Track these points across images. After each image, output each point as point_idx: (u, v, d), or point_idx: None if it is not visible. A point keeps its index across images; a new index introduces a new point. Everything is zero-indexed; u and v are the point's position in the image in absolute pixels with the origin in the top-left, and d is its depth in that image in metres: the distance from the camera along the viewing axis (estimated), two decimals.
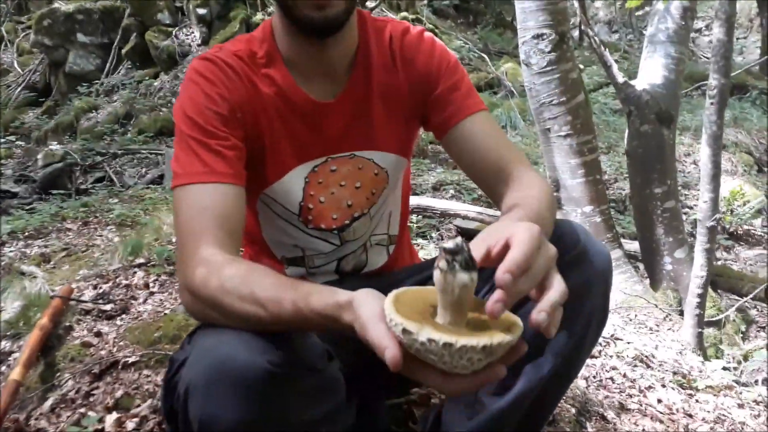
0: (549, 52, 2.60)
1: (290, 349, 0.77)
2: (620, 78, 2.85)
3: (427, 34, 1.13)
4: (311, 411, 0.80)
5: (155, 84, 6.85)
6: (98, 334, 1.61)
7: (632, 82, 2.86)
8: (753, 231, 5.01)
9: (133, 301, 1.82)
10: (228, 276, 0.80)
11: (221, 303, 0.79)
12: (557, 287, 0.69)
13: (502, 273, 0.65)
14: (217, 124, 0.96)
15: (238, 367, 0.71)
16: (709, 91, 2.31)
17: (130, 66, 7.37)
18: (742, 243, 4.94)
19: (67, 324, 1.65)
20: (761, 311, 4.02)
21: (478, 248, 0.70)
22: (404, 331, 0.64)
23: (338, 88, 1.07)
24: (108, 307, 1.76)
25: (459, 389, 0.66)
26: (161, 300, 1.85)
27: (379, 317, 0.67)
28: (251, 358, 0.72)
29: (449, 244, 0.65)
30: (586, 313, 0.94)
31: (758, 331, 4.01)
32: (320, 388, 0.82)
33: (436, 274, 0.66)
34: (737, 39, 10.82)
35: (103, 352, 1.53)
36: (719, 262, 4.49)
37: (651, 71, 2.89)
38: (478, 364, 0.64)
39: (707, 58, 9.20)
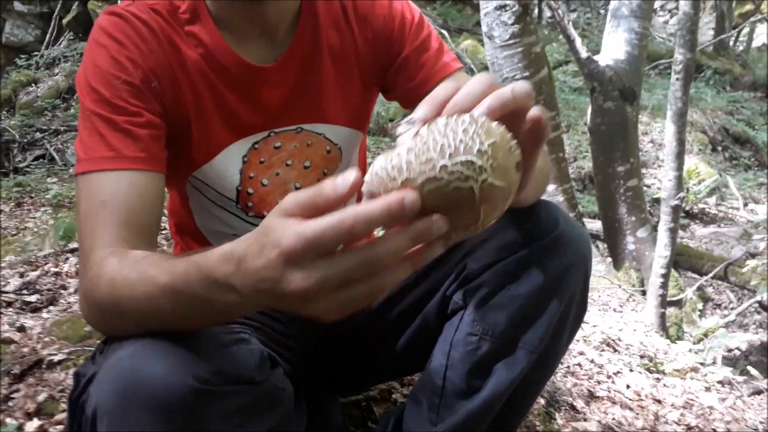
0: (512, 24, 2.49)
1: (221, 359, 0.64)
2: (583, 53, 2.77)
3: None
4: (250, 430, 0.67)
5: None
6: (21, 329, 1.44)
7: (595, 58, 2.79)
8: (708, 210, 5.08)
9: (62, 291, 1.65)
10: (117, 270, 0.66)
11: (114, 303, 0.65)
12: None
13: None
14: (128, 96, 0.79)
15: (156, 384, 0.57)
16: (674, 66, 2.25)
17: (72, 37, 6.99)
18: (697, 221, 5.00)
19: None
20: (717, 289, 4.07)
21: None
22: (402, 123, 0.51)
23: (279, 49, 0.90)
24: (33, 298, 1.59)
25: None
26: None
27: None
28: (172, 372, 0.58)
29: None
30: (564, 301, 0.84)
31: (714, 308, 4.07)
32: (260, 403, 0.68)
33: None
34: None
35: (25, 350, 1.37)
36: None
37: (614, 46, 2.82)
38: (480, 144, 0.47)
39: (662, 38, 9.30)
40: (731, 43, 8.59)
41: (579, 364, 1.69)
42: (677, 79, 2.26)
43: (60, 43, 6.96)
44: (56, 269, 1.78)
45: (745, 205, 5.29)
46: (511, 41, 2.52)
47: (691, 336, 2.72)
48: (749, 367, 2.71)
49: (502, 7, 2.49)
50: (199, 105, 0.87)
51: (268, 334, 0.97)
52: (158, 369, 0.58)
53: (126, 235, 0.73)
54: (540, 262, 0.83)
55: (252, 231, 0.53)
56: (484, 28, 2.59)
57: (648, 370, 1.82)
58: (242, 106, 0.89)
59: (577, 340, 1.84)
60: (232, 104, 0.89)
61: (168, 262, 0.62)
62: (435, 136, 0.48)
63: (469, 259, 0.88)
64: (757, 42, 9.95)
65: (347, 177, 0.48)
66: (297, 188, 0.97)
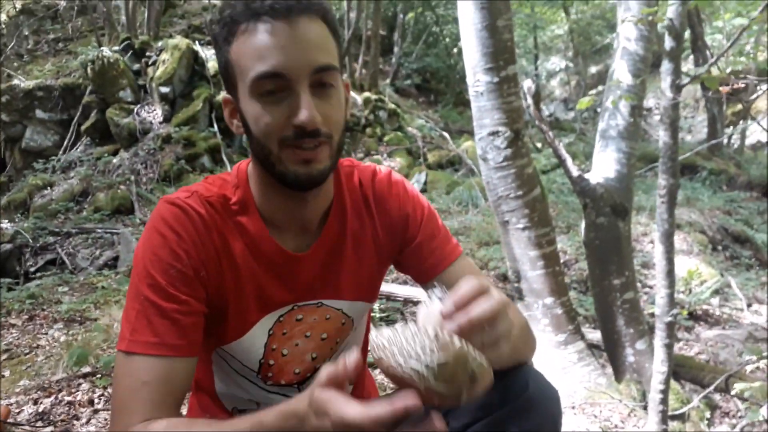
0: (504, 149, 2.65)
1: None
2: (575, 172, 2.91)
3: (396, 176, 1.13)
4: None
5: (114, 161, 6.79)
6: None
7: (586, 176, 2.93)
8: (711, 311, 5.09)
9: (75, 422, 1.71)
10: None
11: None
12: (483, 306, 0.72)
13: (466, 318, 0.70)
14: (179, 284, 0.91)
15: None
16: (659, 191, 2.37)
17: (89, 142, 7.31)
18: (701, 323, 5.00)
19: None
20: (724, 396, 4.03)
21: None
22: (376, 334, 0.69)
23: (312, 239, 1.04)
24: (47, 430, 1.64)
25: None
26: (105, 419, 1.74)
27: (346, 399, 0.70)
28: None
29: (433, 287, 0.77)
30: None
31: (722, 416, 4.01)
32: None
33: (422, 310, 0.74)
34: (685, 118, 11.36)
35: None
36: (681, 342, 4.52)
37: (604, 165, 2.97)
38: (429, 360, 0.64)
39: (657, 137, 9.59)
40: (725, 143, 8.87)
41: None
42: (662, 202, 2.38)
43: (77, 148, 7.28)
44: (69, 398, 1.84)
45: (749, 305, 5.30)
46: (504, 163, 2.68)
47: None
48: None
49: (494, 133, 2.66)
50: (238, 290, 0.99)
51: None
52: None
53: (161, 411, 0.84)
54: (512, 423, 0.92)
55: (304, 394, 0.75)
56: (478, 151, 2.76)
57: None
58: (276, 287, 1.01)
59: None
60: (268, 286, 1.00)
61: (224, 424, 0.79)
62: (406, 338, 0.65)
63: (450, 417, 0.97)
64: (750, 139, 10.25)
65: (351, 359, 0.71)
66: (313, 358, 1.08)
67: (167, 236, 0.93)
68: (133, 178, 6.42)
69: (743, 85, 2.28)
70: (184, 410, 1.23)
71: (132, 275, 0.93)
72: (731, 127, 8.76)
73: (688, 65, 9.18)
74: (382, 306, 3.64)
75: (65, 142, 7.29)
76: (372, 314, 3.50)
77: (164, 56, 7.28)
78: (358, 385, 1.23)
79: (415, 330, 0.65)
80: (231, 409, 1.13)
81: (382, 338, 0.67)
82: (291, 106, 0.88)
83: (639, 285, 4.93)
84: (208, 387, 1.12)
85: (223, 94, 0.98)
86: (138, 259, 0.93)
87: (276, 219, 1.01)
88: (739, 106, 9.83)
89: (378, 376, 2.50)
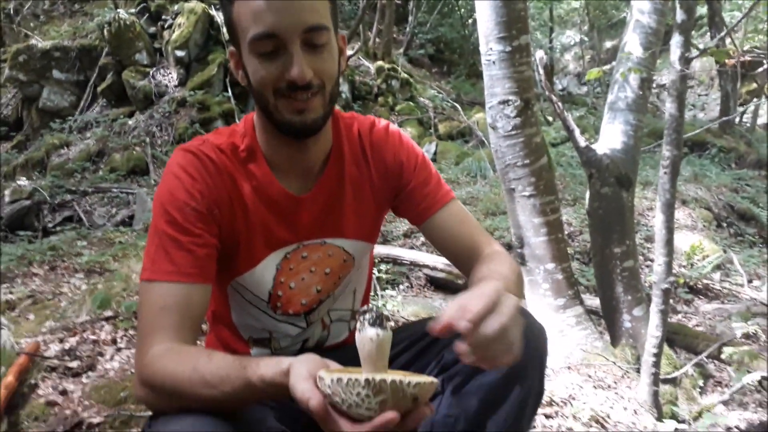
0: (514, 118, 2.72)
1: None
2: (582, 142, 2.98)
3: (393, 127, 1.24)
4: None
5: (130, 123, 6.87)
6: (63, 393, 1.62)
7: (593, 146, 3.00)
8: (712, 285, 5.17)
9: (99, 358, 1.83)
10: (176, 363, 0.88)
11: (175, 392, 0.85)
12: (494, 323, 0.78)
13: (464, 322, 0.77)
14: (194, 220, 1.01)
15: None
16: (662, 161, 2.45)
17: (105, 104, 7.39)
18: (701, 296, 5.09)
19: (33, 381, 1.65)
20: (718, 366, 4.14)
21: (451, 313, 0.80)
22: (319, 378, 0.75)
23: (313, 182, 1.15)
24: (74, 364, 1.76)
25: None
26: (128, 357, 1.87)
27: (306, 376, 0.76)
28: None
29: (363, 308, 0.80)
30: (523, 392, 1.02)
31: (715, 385, 4.12)
32: None
33: (356, 335, 0.79)
34: (698, 96, 11.29)
35: (67, 412, 1.54)
36: (679, 315, 4.62)
37: (611, 136, 3.03)
38: (369, 403, 0.73)
39: None
40: (737, 121, 8.83)
41: None
42: (665, 173, 2.45)
43: (93, 109, 7.37)
44: (94, 337, 1.96)
45: (750, 281, 5.38)
46: (513, 132, 2.75)
47: (686, 414, 2.81)
48: None
49: (505, 102, 2.73)
50: (248, 228, 1.10)
51: (282, 411, 1.15)
52: None
53: (180, 334, 0.95)
54: None
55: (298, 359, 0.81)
56: (488, 119, 2.82)
57: None
58: (281, 226, 1.12)
59: (567, 416, 1.98)
60: (273, 225, 1.11)
61: (224, 370, 0.85)
62: (343, 389, 0.73)
63: (446, 351, 1.08)
64: (763, 119, 10.19)
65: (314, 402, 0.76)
66: (318, 291, 1.19)
67: (183, 179, 1.04)
68: (148, 140, 6.52)
69: (750, 59, 2.33)
70: (201, 344, 1.34)
71: (152, 217, 1.04)
72: (744, 106, 8.71)
73: (706, 41, 9.10)
74: (388, 269, 3.74)
75: (81, 103, 7.37)
76: (378, 276, 3.60)
77: (180, 20, 7.31)
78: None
79: (347, 380, 0.73)
80: (247, 338, 1.25)
81: (325, 387, 0.74)
82: (285, 62, 0.98)
83: (641, 258, 5.01)
84: (225, 318, 1.23)
85: (230, 48, 1.08)
86: (157, 200, 1.04)
87: (280, 164, 1.12)
88: (754, 85, 9.75)
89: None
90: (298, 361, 0.80)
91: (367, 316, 0.79)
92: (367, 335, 0.78)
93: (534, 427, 1.88)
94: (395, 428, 0.74)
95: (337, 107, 1.18)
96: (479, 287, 0.83)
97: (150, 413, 0.91)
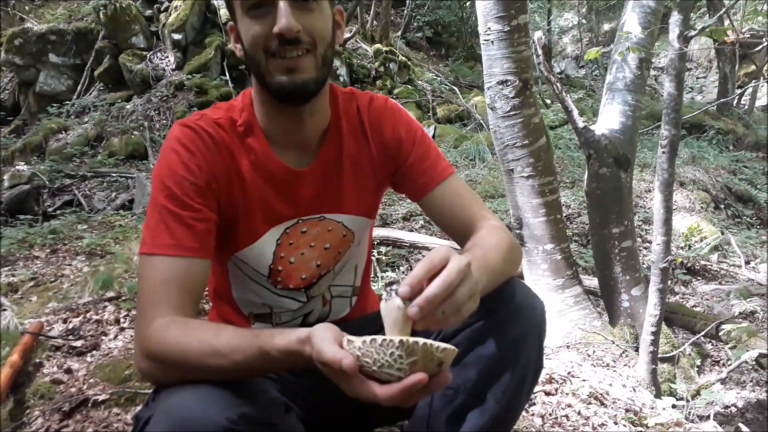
0: (513, 98, 2.72)
1: (248, 404, 0.84)
2: (580, 123, 2.98)
3: (391, 101, 1.23)
4: None
5: (127, 107, 6.84)
6: (68, 371, 1.64)
7: (592, 127, 3.00)
8: (709, 266, 5.21)
9: (103, 337, 1.85)
10: (182, 335, 0.88)
11: (181, 363, 0.86)
12: (436, 283, 0.80)
13: (420, 301, 0.79)
14: (193, 195, 1.02)
15: (197, 424, 0.78)
16: (660, 141, 2.45)
17: (102, 88, 7.36)
18: (699, 278, 5.13)
19: (37, 360, 1.67)
20: (715, 346, 4.18)
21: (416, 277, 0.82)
22: (347, 341, 0.78)
23: (311, 157, 1.15)
24: (78, 343, 1.78)
25: (392, 396, 0.75)
26: (131, 336, 1.88)
27: (332, 340, 0.78)
28: (210, 416, 0.79)
29: (390, 279, 0.80)
30: (521, 365, 1.03)
31: (712, 364, 4.17)
32: None
33: (381, 304, 0.83)
34: (697, 78, 11.26)
35: (72, 390, 1.56)
36: (677, 296, 4.66)
37: (610, 117, 3.03)
38: (400, 364, 0.75)
39: None
40: (734, 103, 8.82)
41: (566, 416, 1.85)
42: (663, 152, 2.46)
43: (90, 93, 7.33)
44: (97, 317, 1.98)
45: (747, 263, 5.41)
46: (511, 113, 2.76)
47: (683, 392, 2.84)
48: (741, 425, 2.82)
49: (503, 82, 2.73)
50: (246, 202, 1.10)
51: (284, 384, 1.16)
52: (200, 413, 0.79)
53: (180, 308, 0.95)
54: (500, 330, 1.04)
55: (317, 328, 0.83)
56: (487, 100, 2.83)
57: (632, 423, 1.97)
58: (280, 201, 1.12)
59: (567, 393, 2.00)
60: (272, 200, 1.12)
61: (235, 340, 0.86)
62: (376, 349, 0.76)
63: None
64: (761, 101, 10.18)
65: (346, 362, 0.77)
66: (318, 265, 1.19)
67: (181, 153, 1.04)
68: (146, 124, 6.50)
69: (748, 37, 2.32)
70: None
71: (151, 193, 1.04)
72: (742, 88, 8.70)
73: (705, 22, 9.06)
74: (387, 251, 3.76)
75: (79, 87, 7.33)
76: (378, 257, 3.60)
77: (176, 2, 7.26)
78: (361, 302, 1.35)
79: (381, 340, 0.75)
80: (248, 314, 1.25)
81: (355, 350, 0.77)
82: (273, 18, 1.00)
83: (639, 240, 5.04)
84: (226, 294, 1.24)
85: (229, 23, 1.09)
86: (156, 175, 1.05)
87: (278, 138, 1.12)
88: (752, 67, 9.73)
89: (380, 292, 2.63)
90: (318, 328, 0.81)
91: (395, 286, 0.82)
92: (394, 303, 0.81)
93: (533, 402, 1.91)
94: (421, 392, 0.75)
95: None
96: (427, 255, 0.85)
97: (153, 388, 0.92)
